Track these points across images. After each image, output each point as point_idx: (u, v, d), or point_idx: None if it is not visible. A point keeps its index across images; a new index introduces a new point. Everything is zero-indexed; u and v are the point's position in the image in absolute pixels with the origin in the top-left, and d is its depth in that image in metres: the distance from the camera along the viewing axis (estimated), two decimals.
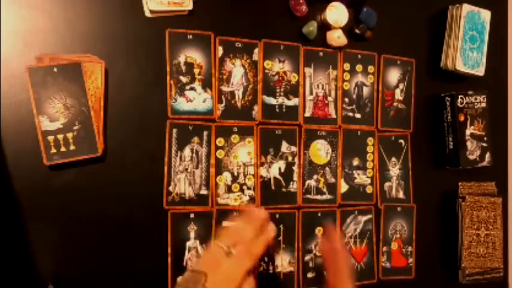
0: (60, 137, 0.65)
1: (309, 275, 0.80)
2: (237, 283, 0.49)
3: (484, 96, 0.91)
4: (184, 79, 0.73)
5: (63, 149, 0.65)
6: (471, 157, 0.90)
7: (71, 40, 0.68)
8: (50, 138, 0.65)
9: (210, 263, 0.51)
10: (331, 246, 0.70)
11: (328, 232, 0.77)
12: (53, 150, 0.65)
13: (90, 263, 0.68)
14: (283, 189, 0.79)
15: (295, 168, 0.80)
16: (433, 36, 0.92)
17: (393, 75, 0.88)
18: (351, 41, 0.83)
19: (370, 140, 0.86)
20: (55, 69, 0.65)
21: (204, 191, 0.74)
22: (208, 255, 0.55)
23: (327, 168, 0.82)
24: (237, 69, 0.77)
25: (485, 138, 0.91)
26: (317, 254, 0.80)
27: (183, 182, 0.73)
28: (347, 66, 0.84)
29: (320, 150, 0.82)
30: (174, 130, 0.73)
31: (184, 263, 0.72)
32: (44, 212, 0.66)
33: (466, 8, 0.88)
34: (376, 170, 0.86)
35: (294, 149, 0.80)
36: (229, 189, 0.76)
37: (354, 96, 0.85)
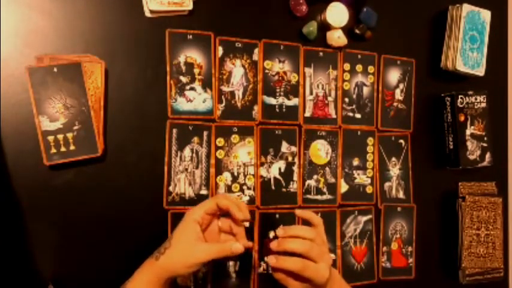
0: (60, 137, 0.65)
1: None
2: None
3: (484, 96, 0.91)
4: (184, 79, 0.73)
5: (63, 149, 0.65)
6: (471, 157, 0.90)
7: (71, 40, 0.68)
8: (50, 138, 0.65)
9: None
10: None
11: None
12: (53, 150, 0.65)
13: (90, 263, 0.68)
14: (283, 189, 0.79)
15: (295, 168, 0.80)
16: (433, 37, 0.92)
17: (393, 75, 0.88)
18: (351, 41, 0.83)
19: (370, 140, 0.86)
20: (55, 69, 0.65)
21: (204, 191, 0.74)
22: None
23: (327, 168, 0.82)
24: (237, 69, 0.77)
25: (485, 138, 0.91)
26: None
27: (183, 182, 0.73)
28: (347, 66, 0.84)
29: (320, 150, 0.82)
30: (174, 130, 0.73)
31: None
32: (43, 212, 0.66)
33: (466, 8, 0.88)
34: (376, 170, 0.86)
35: (294, 149, 0.80)
36: (229, 189, 0.76)
37: (354, 96, 0.85)
